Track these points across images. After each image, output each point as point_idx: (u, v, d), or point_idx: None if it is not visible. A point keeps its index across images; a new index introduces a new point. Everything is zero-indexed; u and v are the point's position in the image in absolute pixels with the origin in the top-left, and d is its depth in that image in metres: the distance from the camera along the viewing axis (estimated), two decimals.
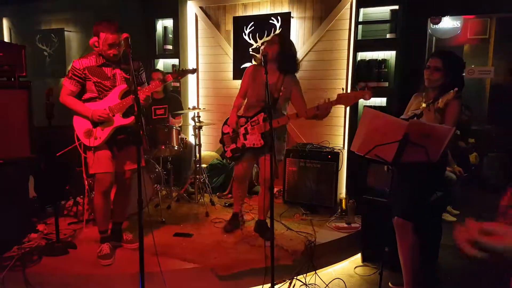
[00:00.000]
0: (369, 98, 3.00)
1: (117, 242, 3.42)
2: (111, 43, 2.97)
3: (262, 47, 5.05)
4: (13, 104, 3.40)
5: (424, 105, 2.75)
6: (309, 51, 4.99)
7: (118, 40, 2.97)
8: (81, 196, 4.18)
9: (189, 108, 4.87)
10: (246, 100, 3.64)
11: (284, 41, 3.46)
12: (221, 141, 3.69)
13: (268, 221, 3.82)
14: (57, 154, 3.68)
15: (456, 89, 2.49)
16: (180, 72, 3.21)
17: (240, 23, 5.28)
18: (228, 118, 3.64)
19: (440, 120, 2.64)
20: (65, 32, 6.69)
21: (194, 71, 3.30)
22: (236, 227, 3.80)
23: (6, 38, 7.16)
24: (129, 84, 3.10)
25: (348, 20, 4.74)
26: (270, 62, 3.29)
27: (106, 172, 3.13)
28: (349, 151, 4.60)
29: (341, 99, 3.08)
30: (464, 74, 2.86)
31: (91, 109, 3.06)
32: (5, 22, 7.24)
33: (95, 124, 3.09)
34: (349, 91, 4.53)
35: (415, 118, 2.62)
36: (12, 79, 3.44)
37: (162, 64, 5.84)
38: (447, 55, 2.81)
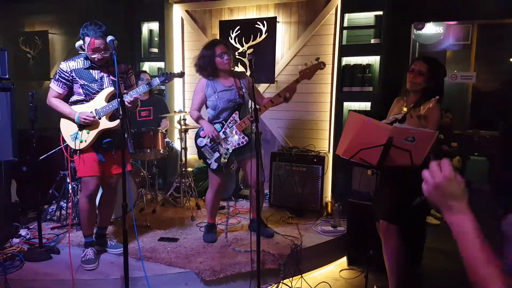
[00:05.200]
0: (324, 67, 3.40)
1: (101, 247, 3.39)
2: (95, 47, 2.93)
3: (248, 52, 5.14)
4: None
5: (405, 109, 2.79)
6: (294, 55, 5.03)
7: (103, 45, 2.93)
8: (65, 201, 4.13)
9: (175, 112, 4.85)
10: (209, 110, 3.58)
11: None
12: (201, 156, 3.58)
13: (262, 218, 3.85)
14: (40, 158, 3.63)
15: (437, 97, 2.54)
16: (168, 76, 3.19)
17: (226, 27, 5.29)
18: (198, 132, 3.58)
19: (422, 125, 2.68)
20: (49, 35, 6.61)
21: (181, 74, 3.28)
22: (215, 235, 3.73)
23: None
24: (115, 87, 3.07)
25: (333, 25, 4.79)
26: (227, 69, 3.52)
27: (92, 176, 3.10)
28: (334, 154, 4.64)
29: (303, 74, 3.38)
30: (445, 79, 2.90)
31: (77, 111, 3.03)
32: None
33: (81, 127, 3.06)
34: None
35: (397, 123, 2.66)
36: None
37: (147, 67, 5.81)
38: (432, 60, 2.85)
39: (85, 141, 3.06)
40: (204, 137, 3.53)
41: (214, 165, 3.51)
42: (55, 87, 3.07)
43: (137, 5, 5.68)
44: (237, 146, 3.47)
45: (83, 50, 3.02)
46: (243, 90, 3.54)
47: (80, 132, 3.06)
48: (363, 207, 3.60)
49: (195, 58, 3.59)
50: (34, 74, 6.80)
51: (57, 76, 3.05)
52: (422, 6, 4.41)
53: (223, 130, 3.49)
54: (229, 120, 3.49)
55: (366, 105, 4.59)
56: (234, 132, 3.47)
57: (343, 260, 3.82)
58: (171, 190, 4.83)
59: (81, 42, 3.00)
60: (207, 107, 3.61)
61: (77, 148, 3.06)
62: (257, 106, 3.14)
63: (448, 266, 3.79)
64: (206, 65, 3.48)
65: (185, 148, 4.60)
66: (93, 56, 2.98)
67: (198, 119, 3.56)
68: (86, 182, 3.13)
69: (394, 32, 4.41)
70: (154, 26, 5.65)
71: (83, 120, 3.00)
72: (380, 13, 4.41)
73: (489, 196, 6.04)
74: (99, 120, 3.06)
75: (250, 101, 3.59)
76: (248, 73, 5.00)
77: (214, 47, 3.47)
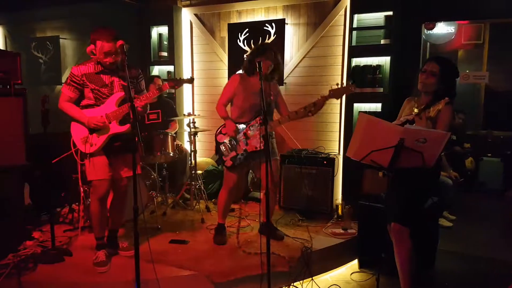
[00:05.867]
0: (354, 91, 3.36)
1: (113, 249, 3.40)
2: (107, 51, 2.97)
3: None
4: (8, 112, 3.39)
5: (416, 110, 2.76)
6: (303, 57, 5.01)
7: (114, 49, 2.96)
8: (77, 203, 4.17)
9: (184, 115, 4.87)
10: (234, 108, 3.63)
11: (276, 55, 3.59)
12: (218, 152, 3.62)
13: (273, 222, 3.84)
14: (53, 161, 3.67)
15: (447, 99, 2.51)
16: (177, 82, 3.20)
17: (234, 29, 5.30)
18: (220, 127, 3.63)
19: (432, 127, 2.65)
20: (60, 40, 6.69)
21: (191, 80, 3.29)
22: (225, 237, 3.75)
23: (2, 46, 7.16)
24: (126, 91, 3.10)
25: (342, 26, 4.76)
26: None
27: (103, 179, 3.13)
28: (344, 156, 4.61)
29: (332, 94, 3.34)
30: (457, 80, 2.86)
31: (87, 115, 3.06)
32: (0, 30, 7.24)
33: (92, 130, 3.09)
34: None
35: (408, 124, 2.63)
36: (8, 86, 3.44)
37: (157, 71, 5.84)
38: (445, 61, 2.82)
39: (95, 144, 3.08)
40: (225, 134, 3.57)
41: (229, 163, 3.54)
42: (66, 91, 3.11)
43: (146, 10, 5.73)
44: (254, 149, 3.49)
45: (94, 54, 3.05)
46: (271, 97, 3.57)
47: (90, 136, 3.09)
48: (374, 209, 3.57)
49: (246, 56, 3.69)
50: (46, 79, 6.88)
51: (68, 80, 3.09)
52: (432, 6, 4.37)
53: (245, 131, 3.52)
54: (252, 123, 3.51)
55: (376, 106, 4.56)
56: (255, 135, 3.48)
57: (354, 263, 3.79)
58: (181, 193, 4.84)
59: (92, 46, 3.04)
60: (232, 105, 3.65)
61: (87, 151, 3.08)
62: (265, 108, 3.12)
63: (461, 269, 3.75)
64: (250, 65, 3.54)
65: (195, 151, 4.61)
66: (104, 60, 3.01)
67: (223, 116, 3.58)
68: (96, 186, 3.15)
69: (404, 32, 4.38)
70: (163, 30, 5.69)
71: (94, 124, 3.03)
72: (390, 13, 4.39)
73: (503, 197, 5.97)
74: (109, 125, 3.08)
75: (275, 108, 3.67)
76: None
77: (265, 52, 3.51)
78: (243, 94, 3.53)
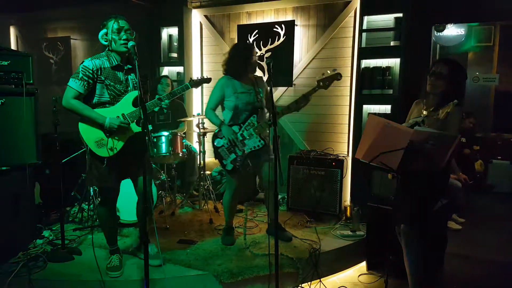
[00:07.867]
0: (340, 78, 3.33)
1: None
2: (119, 27, 2.83)
3: (266, 55, 5.16)
4: (20, 111, 3.43)
5: (425, 112, 2.75)
6: (313, 58, 5.02)
7: (126, 25, 2.85)
8: (86, 202, 4.20)
9: (193, 115, 4.89)
10: (226, 111, 3.61)
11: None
12: (217, 156, 3.58)
13: (280, 222, 3.83)
14: (63, 161, 3.71)
15: (456, 101, 2.50)
16: (196, 82, 3.19)
17: (244, 31, 5.32)
18: (215, 132, 3.60)
19: (441, 129, 2.64)
20: (71, 40, 6.75)
21: (208, 80, 3.31)
22: (233, 237, 3.76)
23: (13, 46, 7.24)
24: (139, 90, 3.00)
25: (352, 28, 4.76)
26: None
27: (110, 187, 3.06)
28: (353, 158, 4.61)
29: (320, 83, 3.33)
30: (467, 82, 2.85)
31: (106, 117, 2.81)
32: (12, 31, 7.32)
33: (109, 133, 2.85)
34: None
35: (417, 126, 2.62)
36: (20, 86, 3.47)
37: (167, 71, 5.87)
38: (453, 63, 2.81)
39: (116, 148, 2.87)
40: (222, 138, 3.55)
41: (229, 166, 3.52)
42: (76, 86, 2.79)
43: (157, 11, 5.76)
44: (253, 149, 3.48)
45: (106, 41, 2.88)
46: (261, 95, 3.57)
47: (108, 139, 2.86)
48: (383, 212, 3.55)
49: (225, 58, 3.65)
50: (57, 79, 6.95)
51: (80, 75, 2.79)
52: (442, 8, 4.35)
53: (240, 132, 3.51)
54: (246, 123, 3.50)
55: (386, 108, 4.55)
56: (250, 135, 3.48)
57: (362, 265, 3.78)
58: (191, 190, 4.86)
59: (103, 32, 2.89)
60: (223, 109, 3.64)
61: (107, 156, 2.86)
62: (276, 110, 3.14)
63: (470, 272, 3.72)
64: (238, 66, 3.55)
65: (204, 152, 4.62)
66: (119, 40, 2.83)
67: (216, 122, 3.57)
68: (103, 191, 3.15)
69: (414, 34, 4.36)
70: (174, 31, 5.71)
71: (117, 126, 2.81)
72: (400, 15, 4.37)
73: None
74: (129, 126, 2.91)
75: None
76: (266, 77, 5.02)
77: (251, 51, 3.58)
78: (233, 96, 3.51)
